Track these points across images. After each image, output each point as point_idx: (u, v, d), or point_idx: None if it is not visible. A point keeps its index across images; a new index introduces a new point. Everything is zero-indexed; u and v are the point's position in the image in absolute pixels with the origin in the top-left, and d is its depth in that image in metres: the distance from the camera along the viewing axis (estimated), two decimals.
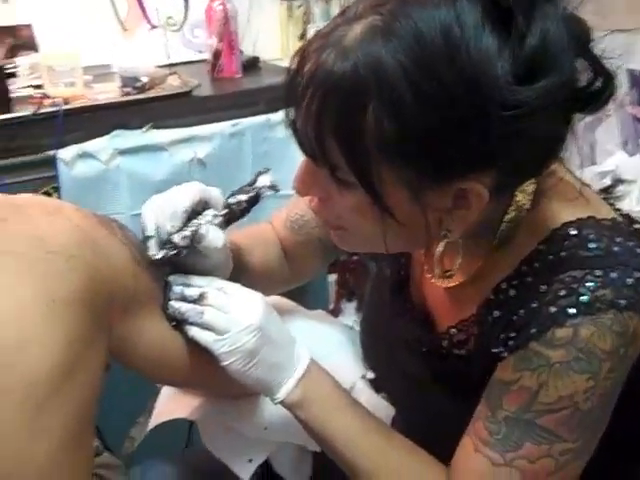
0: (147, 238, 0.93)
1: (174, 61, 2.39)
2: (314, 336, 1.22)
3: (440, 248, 0.85)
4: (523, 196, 0.87)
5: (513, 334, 0.84)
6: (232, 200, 0.99)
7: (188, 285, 0.94)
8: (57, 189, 1.83)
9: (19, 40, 2.15)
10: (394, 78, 0.72)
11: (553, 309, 0.80)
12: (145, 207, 0.95)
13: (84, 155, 1.84)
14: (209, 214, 0.95)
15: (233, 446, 1.13)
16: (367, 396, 1.18)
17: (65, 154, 1.82)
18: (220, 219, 0.96)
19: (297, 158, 0.84)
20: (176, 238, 0.92)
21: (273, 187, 1.02)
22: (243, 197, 0.99)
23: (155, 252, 0.93)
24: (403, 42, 0.72)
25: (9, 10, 2.16)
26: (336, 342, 1.25)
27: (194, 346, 0.94)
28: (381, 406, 1.19)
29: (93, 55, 2.15)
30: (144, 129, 1.91)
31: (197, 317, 0.92)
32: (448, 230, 0.83)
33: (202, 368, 0.97)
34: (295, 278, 1.23)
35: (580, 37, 0.77)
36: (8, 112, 1.78)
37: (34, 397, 0.72)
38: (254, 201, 1.01)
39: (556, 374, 0.80)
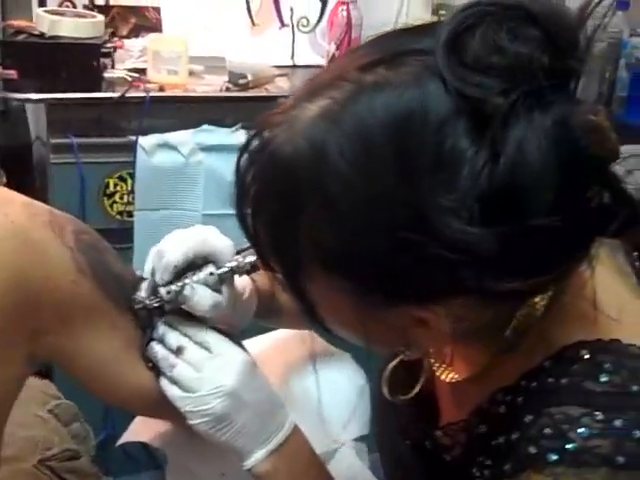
0: (141, 279, 0.88)
1: (298, 63, 2.31)
2: (323, 383, 1.14)
3: (392, 364, 0.75)
4: (535, 301, 0.70)
5: (489, 462, 0.71)
6: (234, 264, 0.87)
7: (174, 329, 0.88)
8: (132, 175, 1.80)
9: (144, 21, 2.15)
10: (331, 183, 0.61)
11: (533, 449, 0.65)
12: (162, 242, 0.88)
13: (165, 145, 1.80)
14: (205, 272, 0.87)
15: None
16: (350, 462, 1.09)
17: (146, 141, 1.78)
18: (215, 279, 0.87)
19: None
20: (162, 291, 0.86)
21: None
22: (253, 259, 0.88)
23: (142, 295, 0.87)
24: (348, 140, 0.60)
25: None
26: (345, 393, 1.16)
27: (143, 376, 0.88)
28: (361, 476, 1.08)
29: (213, 45, 2.11)
30: (233, 128, 1.85)
31: (167, 369, 0.86)
32: (407, 346, 0.72)
33: (152, 400, 0.89)
34: None
35: (593, 160, 0.60)
36: (98, 91, 1.76)
37: None
38: None
39: None
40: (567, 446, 0.64)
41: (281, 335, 1.22)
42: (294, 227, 0.64)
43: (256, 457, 0.85)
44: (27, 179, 1.75)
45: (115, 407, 1.06)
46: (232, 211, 1.98)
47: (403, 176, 0.59)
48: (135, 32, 2.14)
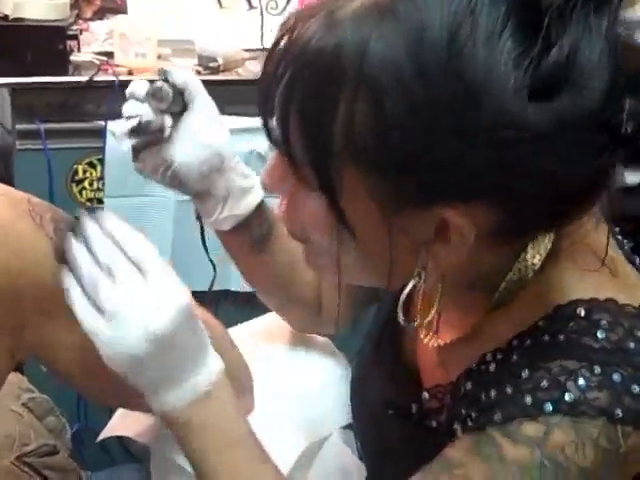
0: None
1: (268, 46, 2.26)
2: (307, 371, 1.13)
3: (406, 290, 0.70)
4: (533, 254, 0.71)
5: (475, 414, 0.69)
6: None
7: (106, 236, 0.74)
8: (102, 161, 1.75)
9: (109, 3, 2.10)
10: (378, 70, 0.59)
11: (528, 399, 0.65)
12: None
13: None
14: None
15: None
16: (338, 450, 1.06)
17: (116, 127, 1.73)
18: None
19: None
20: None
21: None
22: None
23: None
24: (400, 30, 0.59)
25: None
26: (329, 380, 1.14)
27: None
28: (352, 465, 1.07)
29: (181, 28, 2.06)
30: None
31: (90, 283, 0.72)
32: (423, 269, 0.68)
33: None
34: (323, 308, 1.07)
35: (630, 69, 0.61)
36: (65, 75, 1.71)
37: None
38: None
39: (509, 475, 0.64)
40: (565, 397, 0.63)
41: (265, 323, 1.20)
42: (330, 117, 0.61)
43: (176, 400, 0.75)
44: None
45: (98, 401, 1.03)
46: None
47: (455, 60, 0.58)
48: (100, 14, 2.08)
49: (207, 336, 0.78)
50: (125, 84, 1.71)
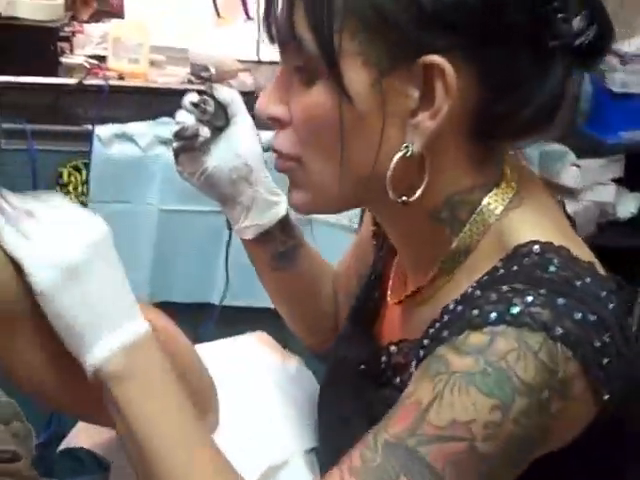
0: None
1: (263, 59, 2.26)
2: (272, 391, 1.09)
3: (395, 161, 0.71)
4: (496, 199, 0.75)
5: (428, 341, 0.71)
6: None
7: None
8: (87, 165, 1.74)
9: (105, 6, 2.09)
10: None
11: (475, 312, 0.66)
12: None
13: (123, 136, 1.75)
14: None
15: None
16: (300, 474, 1.04)
17: (103, 131, 1.72)
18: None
19: None
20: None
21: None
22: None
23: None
24: None
25: None
26: (293, 402, 1.11)
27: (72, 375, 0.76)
28: None
29: (176, 36, 2.05)
30: None
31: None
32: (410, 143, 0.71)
33: (91, 401, 0.83)
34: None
35: None
36: (55, 76, 1.70)
37: None
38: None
39: (454, 385, 0.64)
40: (510, 309, 0.65)
41: (235, 342, 1.18)
42: None
43: (107, 348, 0.69)
44: None
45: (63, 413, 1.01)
46: (189, 207, 1.94)
47: None
48: (96, 17, 2.07)
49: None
50: (115, 89, 1.73)
